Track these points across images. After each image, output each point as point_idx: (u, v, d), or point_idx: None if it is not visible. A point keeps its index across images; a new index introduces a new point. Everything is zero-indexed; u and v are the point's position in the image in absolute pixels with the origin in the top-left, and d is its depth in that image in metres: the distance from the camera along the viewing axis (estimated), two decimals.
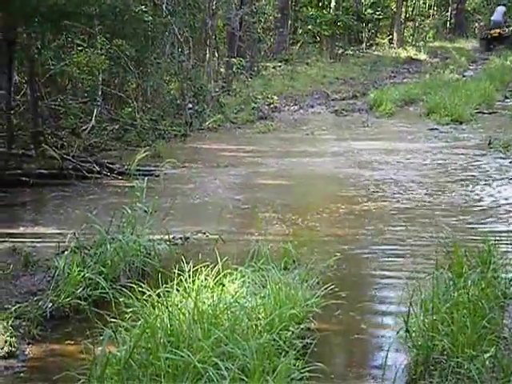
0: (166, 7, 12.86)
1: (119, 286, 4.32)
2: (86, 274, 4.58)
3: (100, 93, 11.26)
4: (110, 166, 9.09)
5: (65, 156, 8.97)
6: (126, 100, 12.26)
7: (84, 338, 3.77)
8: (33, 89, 9.46)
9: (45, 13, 7.97)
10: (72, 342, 3.99)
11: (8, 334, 3.87)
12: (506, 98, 17.64)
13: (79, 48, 11.28)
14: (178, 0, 13.98)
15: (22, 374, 3.62)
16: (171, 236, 5.77)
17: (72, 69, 10.93)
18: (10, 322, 3.99)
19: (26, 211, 7.45)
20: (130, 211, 5.55)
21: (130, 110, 11.96)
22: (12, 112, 9.06)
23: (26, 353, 3.85)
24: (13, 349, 3.80)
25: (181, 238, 6.08)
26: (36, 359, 3.81)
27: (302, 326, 3.95)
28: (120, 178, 8.67)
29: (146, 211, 5.64)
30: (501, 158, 10.99)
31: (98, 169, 8.88)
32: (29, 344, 3.95)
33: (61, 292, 4.46)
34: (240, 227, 6.75)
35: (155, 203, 5.84)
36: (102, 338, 3.26)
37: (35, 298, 4.48)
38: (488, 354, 3.45)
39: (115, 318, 3.66)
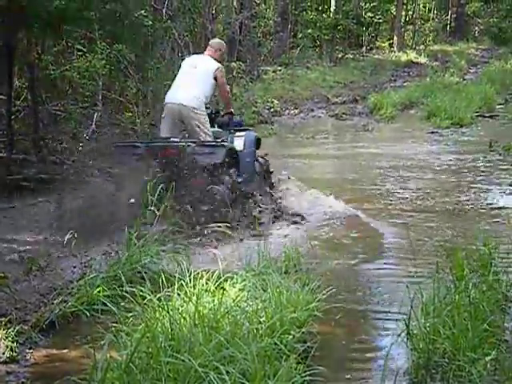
0: (165, 12, 12.88)
1: (121, 290, 4.32)
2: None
3: (100, 97, 11.27)
4: (110, 170, 9.09)
5: (65, 161, 8.98)
6: (126, 105, 12.26)
7: (86, 343, 3.77)
8: (33, 94, 9.46)
9: (45, 18, 7.98)
10: (74, 347, 3.99)
11: (9, 339, 3.87)
12: (507, 101, 17.65)
13: (79, 53, 11.29)
14: (178, 5, 14.00)
15: (23, 380, 3.61)
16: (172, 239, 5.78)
17: (72, 73, 10.94)
18: (12, 328, 3.98)
19: (24, 216, 7.43)
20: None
21: (130, 114, 11.96)
22: (12, 117, 9.06)
23: (28, 358, 3.85)
24: (14, 354, 3.80)
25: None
26: (37, 364, 3.81)
27: (303, 330, 3.95)
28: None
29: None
30: (501, 160, 11.00)
31: (99, 173, 8.88)
32: (30, 349, 3.94)
33: (65, 298, 4.47)
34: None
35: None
36: (102, 342, 3.26)
37: (37, 304, 4.49)
38: (489, 357, 3.44)
39: (116, 323, 3.66)
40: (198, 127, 7.35)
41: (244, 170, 7.48)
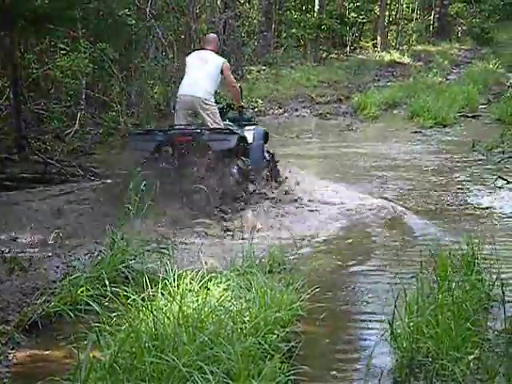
0: (149, 11, 12.84)
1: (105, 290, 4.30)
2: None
3: (84, 97, 11.22)
4: (95, 169, 9.07)
5: (48, 160, 8.94)
6: (109, 104, 12.22)
7: (69, 343, 3.75)
8: (16, 93, 9.41)
9: (28, 16, 7.94)
10: (57, 348, 3.96)
11: None
12: (489, 101, 17.75)
13: (62, 52, 11.23)
14: (162, 4, 13.97)
15: (5, 380, 3.58)
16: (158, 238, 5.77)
17: (55, 72, 10.88)
18: None
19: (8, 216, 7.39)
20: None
21: (113, 113, 11.92)
22: None
23: (10, 358, 3.82)
24: None
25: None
26: (20, 365, 3.78)
27: (287, 330, 3.95)
28: (103, 181, 8.64)
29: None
30: (484, 160, 11.07)
31: (82, 173, 8.85)
32: (13, 349, 3.91)
33: (47, 298, 4.44)
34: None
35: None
36: (86, 342, 3.25)
37: (20, 304, 4.46)
38: (472, 356, 3.46)
39: (100, 323, 3.64)
40: (210, 117, 7.88)
41: (253, 160, 8.06)
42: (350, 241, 6.51)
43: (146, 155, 7.56)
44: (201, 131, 7.50)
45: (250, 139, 8.25)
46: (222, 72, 8.08)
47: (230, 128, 7.94)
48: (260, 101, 17.72)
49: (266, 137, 8.60)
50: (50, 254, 5.36)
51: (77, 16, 9.86)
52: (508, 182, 9.31)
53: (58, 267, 5.12)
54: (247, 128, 8.35)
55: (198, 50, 8.80)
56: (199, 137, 7.43)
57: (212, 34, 9.17)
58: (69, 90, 11.64)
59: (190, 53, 8.93)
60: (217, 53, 8.36)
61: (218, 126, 7.87)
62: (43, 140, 10.19)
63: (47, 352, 3.93)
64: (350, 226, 7.06)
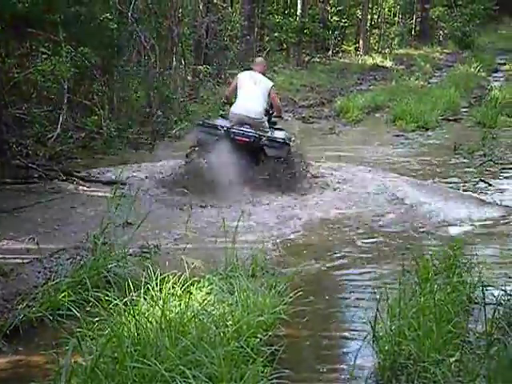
0: (131, 15, 12.79)
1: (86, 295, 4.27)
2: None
3: (66, 101, 11.15)
4: (77, 174, 9.01)
5: (30, 165, 8.87)
6: (92, 108, 12.16)
7: (50, 348, 3.72)
8: None
9: (8, 20, 7.88)
10: (38, 353, 3.94)
11: None
12: (471, 104, 17.86)
13: (44, 56, 11.16)
14: (144, 8, 13.93)
15: None
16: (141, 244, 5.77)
17: (37, 77, 10.82)
18: None
19: None
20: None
21: (96, 118, 11.86)
22: None
23: None
24: None
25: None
26: (1, 370, 3.76)
27: (269, 333, 3.95)
28: (87, 186, 8.60)
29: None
30: (466, 163, 11.14)
31: (64, 177, 8.79)
32: None
33: (29, 303, 4.41)
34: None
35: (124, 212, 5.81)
36: (67, 347, 3.23)
37: (1, 310, 4.42)
38: (453, 358, 3.48)
39: (81, 328, 3.62)
40: (260, 130, 8.89)
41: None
42: (330, 243, 6.53)
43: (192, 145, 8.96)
44: (259, 136, 8.68)
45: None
46: (269, 94, 9.17)
47: (284, 139, 8.99)
48: None
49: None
50: (32, 259, 5.32)
51: (57, 20, 9.80)
52: (489, 185, 9.38)
53: (39, 272, 5.07)
54: (277, 132, 9.35)
55: (248, 69, 9.86)
56: (258, 141, 8.66)
57: (261, 58, 10.54)
58: (50, 94, 11.57)
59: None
60: (265, 74, 9.59)
61: (274, 136, 8.99)
62: (25, 144, 10.11)
63: (28, 358, 3.90)
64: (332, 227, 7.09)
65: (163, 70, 14.40)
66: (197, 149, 8.83)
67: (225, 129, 8.73)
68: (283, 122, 14.80)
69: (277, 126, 9.66)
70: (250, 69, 9.66)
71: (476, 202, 8.35)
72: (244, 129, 8.76)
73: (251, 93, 9.04)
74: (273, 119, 9.61)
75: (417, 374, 3.48)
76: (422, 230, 7.01)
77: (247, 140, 8.65)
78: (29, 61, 11.59)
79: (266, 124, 9.14)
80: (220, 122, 9.22)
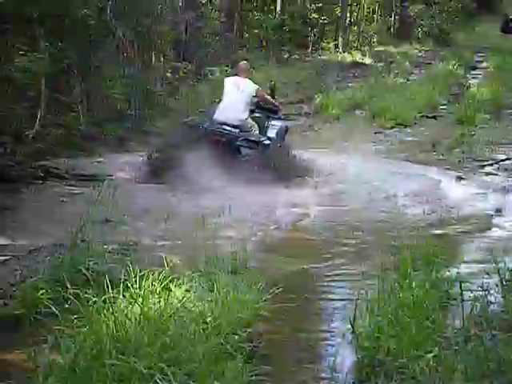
0: (110, 11, 12.70)
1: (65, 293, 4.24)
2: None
3: (43, 97, 11.05)
4: (56, 171, 8.95)
5: (8, 162, 8.79)
6: (70, 105, 12.07)
7: (28, 346, 3.69)
8: None
9: None
10: (15, 351, 3.89)
11: None
12: (449, 101, 17.95)
13: (21, 52, 11.06)
14: (123, 3, 13.84)
15: None
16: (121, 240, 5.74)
17: (14, 73, 10.71)
18: None
19: None
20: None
21: (74, 114, 11.78)
22: None
23: None
24: None
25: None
26: None
27: (250, 330, 3.94)
28: (65, 183, 8.55)
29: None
30: (444, 160, 11.21)
31: (43, 175, 8.73)
32: None
33: (6, 301, 4.38)
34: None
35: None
36: (45, 345, 3.20)
37: None
38: (431, 354, 3.49)
39: (60, 326, 3.59)
40: (246, 131, 9.17)
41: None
42: (311, 241, 6.54)
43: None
44: (236, 136, 8.90)
45: (273, 136, 9.65)
46: (256, 95, 9.49)
47: (263, 140, 9.22)
48: None
49: (286, 130, 10.10)
50: (9, 257, 5.27)
51: (34, 15, 9.71)
52: (463, 179, 9.47)
53: (16, 270, 5.03)
54: (273, 123, 9.75)
55: (234, 75, 10.13)
56: (234, 141, 8.87)
57: (244, 62, 10.42)
58: (28, 91, 11.46)
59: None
60: (248, 77, 9.79)
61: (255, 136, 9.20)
62: (2, 141, 10.01)
63: (5, 356, 3.86)
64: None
65: (142, 67, 14.33)
66: (160, 150, 9.00)
67: (204, 127, 8.97)
68: None
69: (275, 118, 9.88)
70: (236, 74, 9.95)
71: (454, 197, 8.40)
72: (223, 128, 8.96)
73: (234, 100, 9.28)
74: (273, 115, 9.84)
75: (395, 370, 3.49)
76: (403, 225, 7.04)
77: (223, 140, 8.83)
78: (5, 57, 11.48)
79: (251, 123, 9.34)
80: (200, 121, 9.38)
